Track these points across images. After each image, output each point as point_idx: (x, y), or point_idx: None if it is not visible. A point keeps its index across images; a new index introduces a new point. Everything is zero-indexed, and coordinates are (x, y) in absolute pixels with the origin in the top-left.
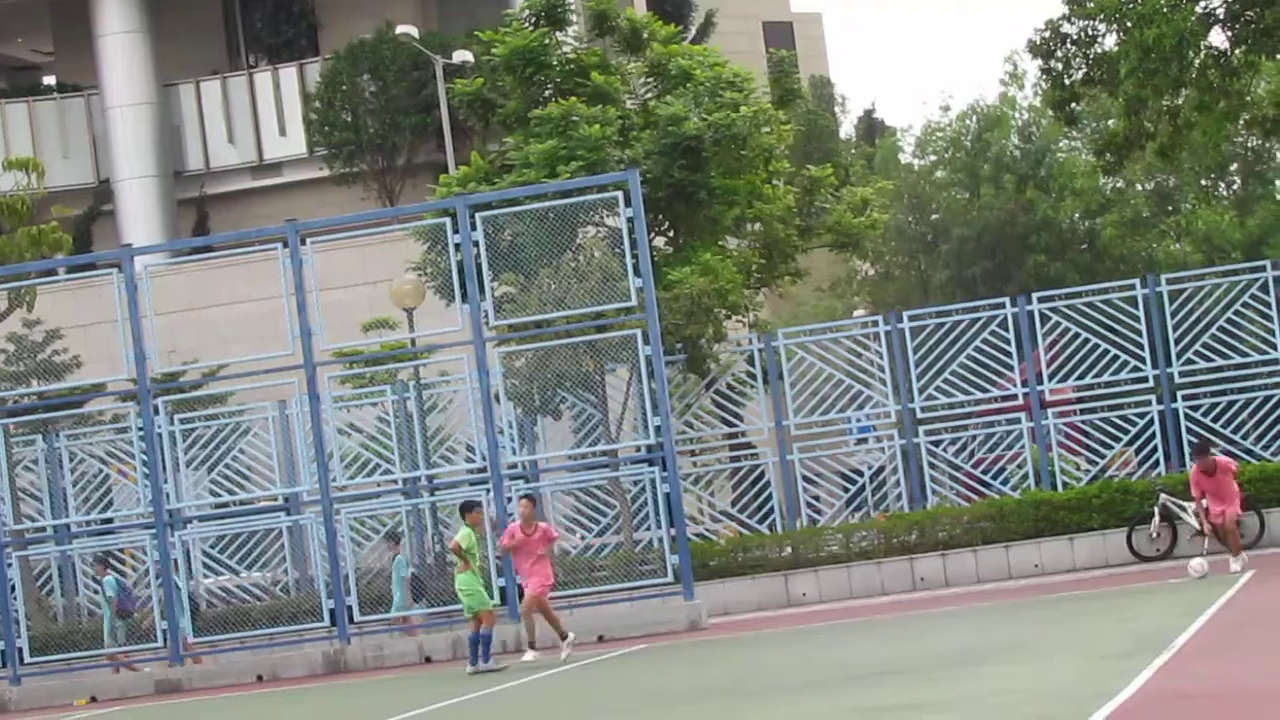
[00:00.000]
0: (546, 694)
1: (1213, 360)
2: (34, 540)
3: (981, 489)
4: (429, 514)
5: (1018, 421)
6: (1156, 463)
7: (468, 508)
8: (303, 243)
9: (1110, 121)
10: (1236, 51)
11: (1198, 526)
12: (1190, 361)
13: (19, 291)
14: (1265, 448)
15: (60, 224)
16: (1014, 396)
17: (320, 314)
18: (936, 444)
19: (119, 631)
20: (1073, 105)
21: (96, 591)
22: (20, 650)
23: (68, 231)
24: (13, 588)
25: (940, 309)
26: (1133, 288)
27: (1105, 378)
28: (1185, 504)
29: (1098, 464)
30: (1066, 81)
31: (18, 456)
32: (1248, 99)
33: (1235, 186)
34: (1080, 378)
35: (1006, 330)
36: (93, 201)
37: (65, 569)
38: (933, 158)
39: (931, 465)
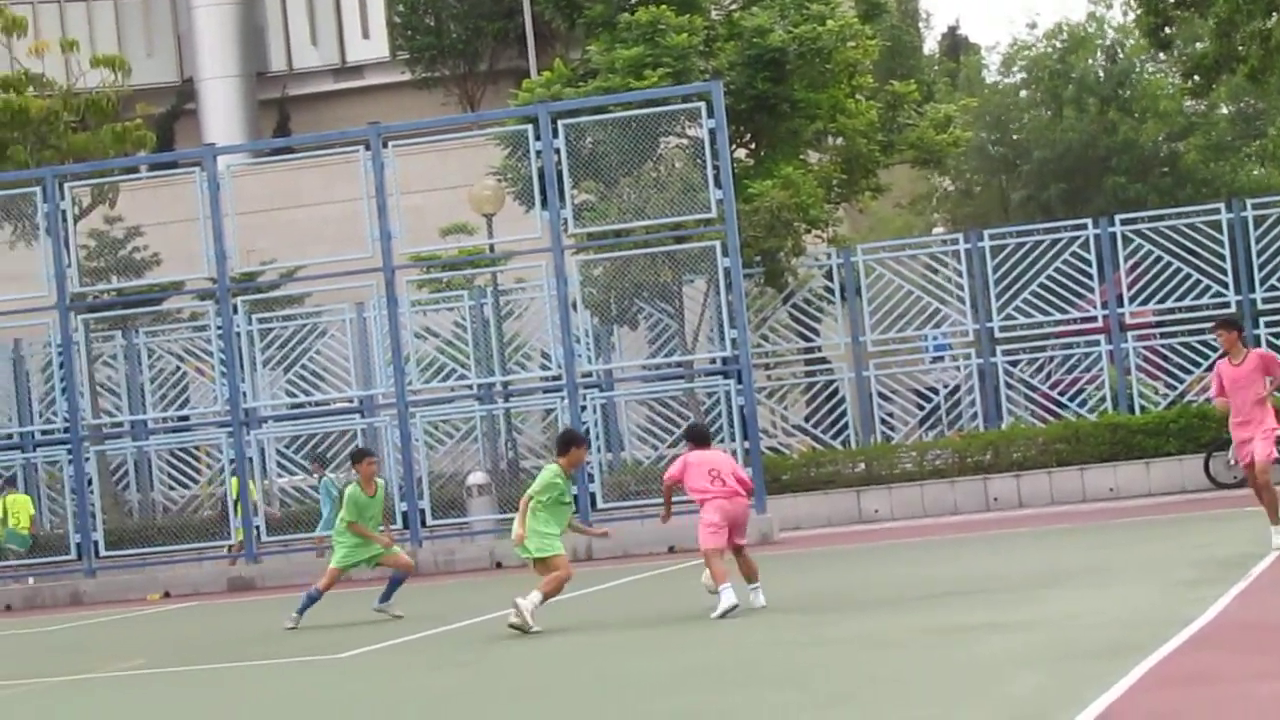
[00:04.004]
0: (619, 603)
1: None
2: (111, 435)
3: (1058, 410)
4: (503, 420)
5: (1096, 344)
6: None
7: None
8: (384, 146)
9: (1199, 44)
10: None
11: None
12: (1273, 288)
13: (102, 188)
14: None
15: (144, 122)
16: (1093, 318)
17: (399, 217)
18: (1014, 364)
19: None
20: (1166, 29)
21: (173, 488)
22: (96, 544)
23: (151, 130)
24: (90, 482)
25: (1021, 228)
26: (1217, 212)
27: (1186, 302)
28: None
29: (1176, 389)
30: (1160, 5)
31: (97, 352)
32: None
33: None
34: (1161, 301)
35: (1087, 251)
36: (176, 100)
37: (141, 464)
38: (1020, 76)
39: (1008, 385)
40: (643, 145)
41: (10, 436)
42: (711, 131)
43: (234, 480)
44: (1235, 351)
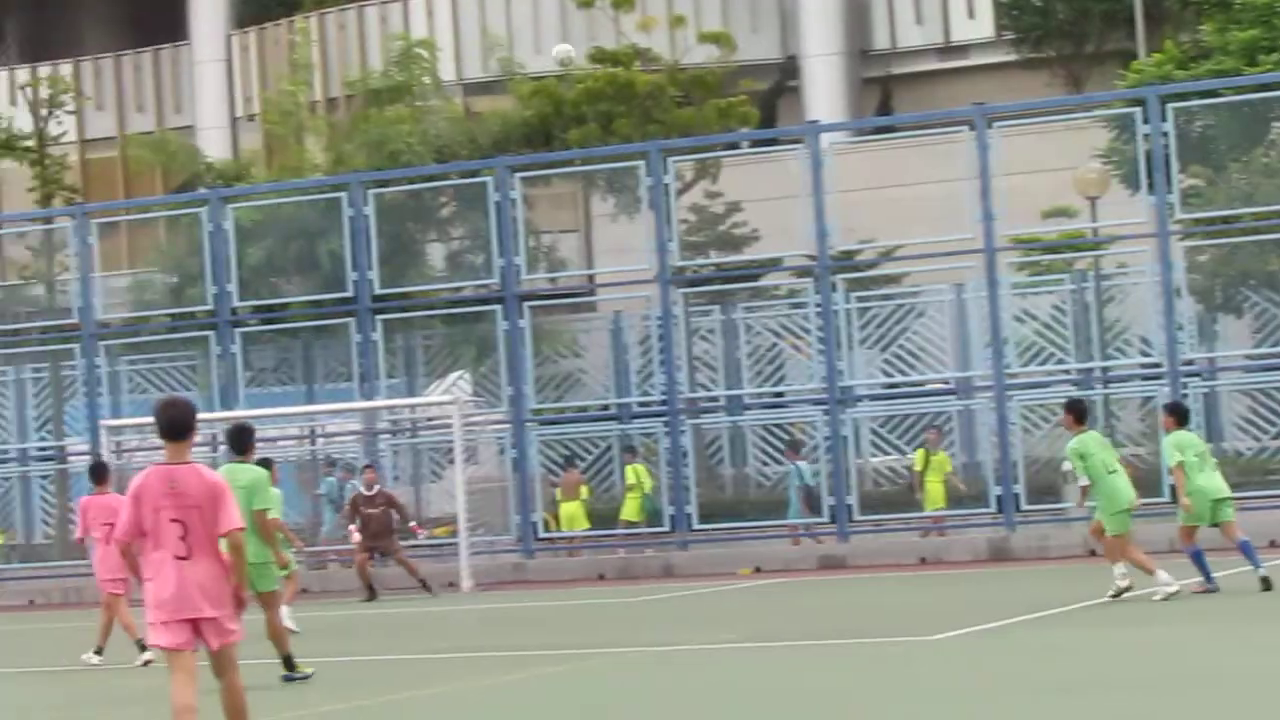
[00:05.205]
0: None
1: None
2: (706, 410)
3: None
4: (1100, 405)
5: None
6: None
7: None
8: (989, 126)
9: None
10: None
11: None
12: None
13: (704, 163)
14: None
15: (747, 98)
16: None
17: (1002, 199)
18: None
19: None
20: None
21: (766, 464)
22: (689, 516)
23: (754, 106)
24: (685, 455)
25: None
26: None
27: None
28: None
29: None
30: None
31: (695, 326)
32: None
33: None
34: None
35: None
36: (779, 77)
37: (736, 440)
38: None
39: None
40: (1255, 129)
41: (606, 408)
42: None
43: (920, 452)
44: None
